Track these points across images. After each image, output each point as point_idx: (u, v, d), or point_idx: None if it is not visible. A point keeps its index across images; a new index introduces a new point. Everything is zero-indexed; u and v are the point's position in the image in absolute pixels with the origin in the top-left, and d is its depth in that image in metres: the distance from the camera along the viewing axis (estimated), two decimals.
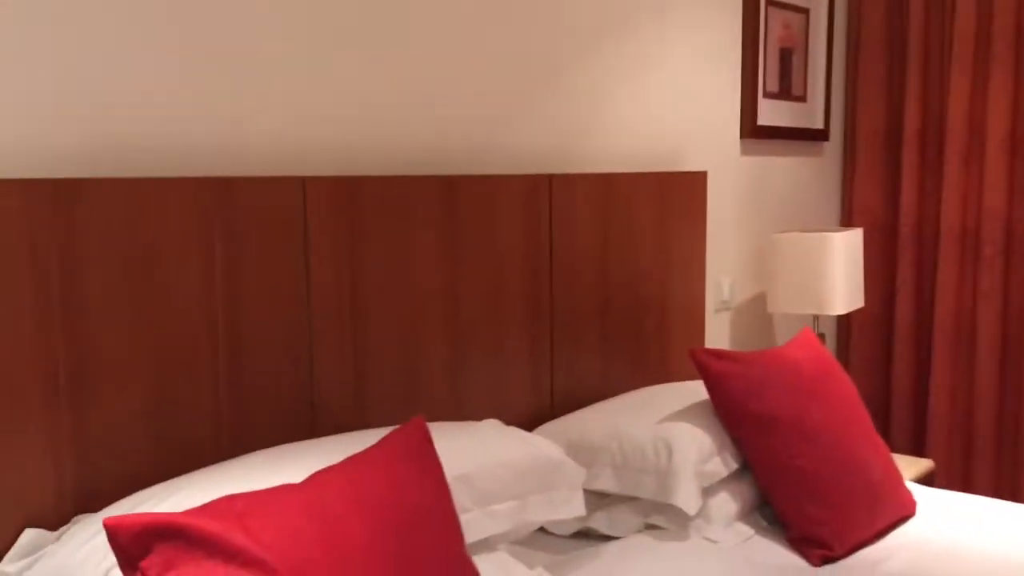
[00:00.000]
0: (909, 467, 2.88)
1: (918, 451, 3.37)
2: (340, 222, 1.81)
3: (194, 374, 1.60)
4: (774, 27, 3.08)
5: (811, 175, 3.41)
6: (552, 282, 2.25)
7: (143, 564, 1.11)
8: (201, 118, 1.66)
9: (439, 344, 2.00)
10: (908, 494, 2.16)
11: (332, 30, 1.85)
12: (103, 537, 1.32)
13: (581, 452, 2.03)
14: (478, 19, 2.12)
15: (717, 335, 2.97)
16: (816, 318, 3.19)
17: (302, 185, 1.75)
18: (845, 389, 2.21)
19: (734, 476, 2.08)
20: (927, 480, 2.89)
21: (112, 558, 1.28)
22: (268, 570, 1.11)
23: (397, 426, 1.81)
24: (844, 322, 3.52)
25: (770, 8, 3.04)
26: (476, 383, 2.09)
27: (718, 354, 2.10)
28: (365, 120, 1.92)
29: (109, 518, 1.09)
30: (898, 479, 2.16)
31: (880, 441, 2.19)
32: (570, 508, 1.76)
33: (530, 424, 2.20)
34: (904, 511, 2.12)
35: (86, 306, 1.47)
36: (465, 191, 2.03)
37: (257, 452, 1.58)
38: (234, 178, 1.65)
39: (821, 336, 3.04)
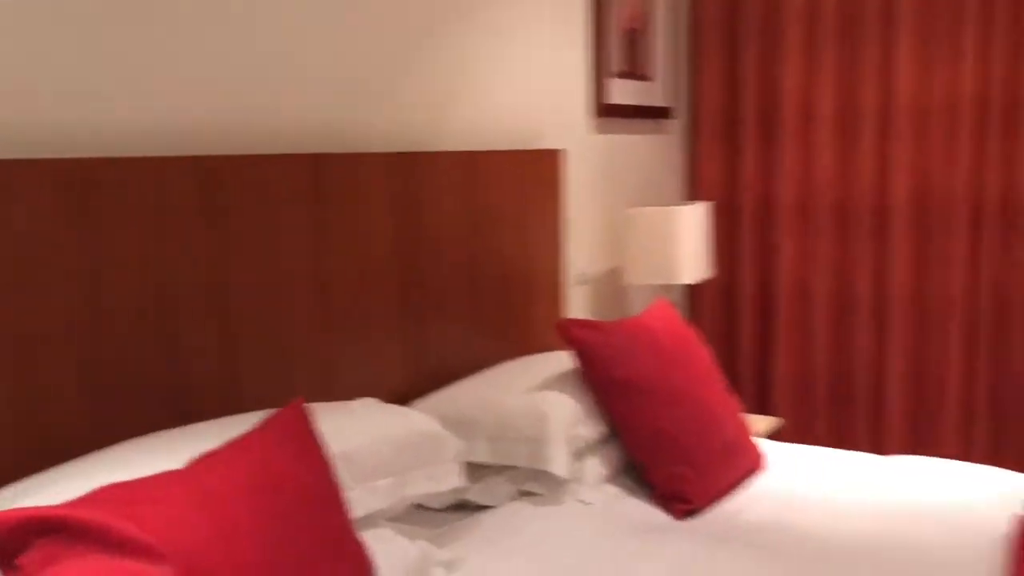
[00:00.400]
0: (758, 424, 3.06)
1: (764, 410, 3.59)
2: (203, 203, 1.76)
3: (55, 363, 1.53)
4: (620, 8, 3.18)
5: (659, 152, 3.55)
6: (419, 259, 2.27)
7: (21, 561, 1.06)
8: (59, 100, 1.58)
9: (309, 324, 1.99)
10: (758, 449, 2.31)
11: (190, 6, 1.79)
12: None
13: (455, 426, 2.06)
14: None
15: (576, 308, 3.06)
16: (668, 288, 3.34)
17: (164, 166, 1.69)
18: (700, 353, 2.34)
19: (602, 440, 2.17)
20: (775, 436, 3.09)
21: None
22: (157, 558, 1.09)
23: (270, 409, 1.80)
24: (694, 291, 3.69)
25: None
26: (347, 361, 2.08)
27: (582, 324, 2.17)
28: (227, 99, 1.88)
29: None
30: (749, 435, 2.30)
31: (733, 401, 2.33)
32: (449, 480, 1.79)
33: (402, 401, 2.21)
34: (755, 465, 2.27)
35: None
36: (331, 169, 2.02)
37: (130, 441, 1.54)
38: (93, 159, 1.58)
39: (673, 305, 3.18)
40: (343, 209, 2.05)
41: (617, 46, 3.17)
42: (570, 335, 2.14)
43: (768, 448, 2.46)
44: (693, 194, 3.68)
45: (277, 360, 1.92)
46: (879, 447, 3.40)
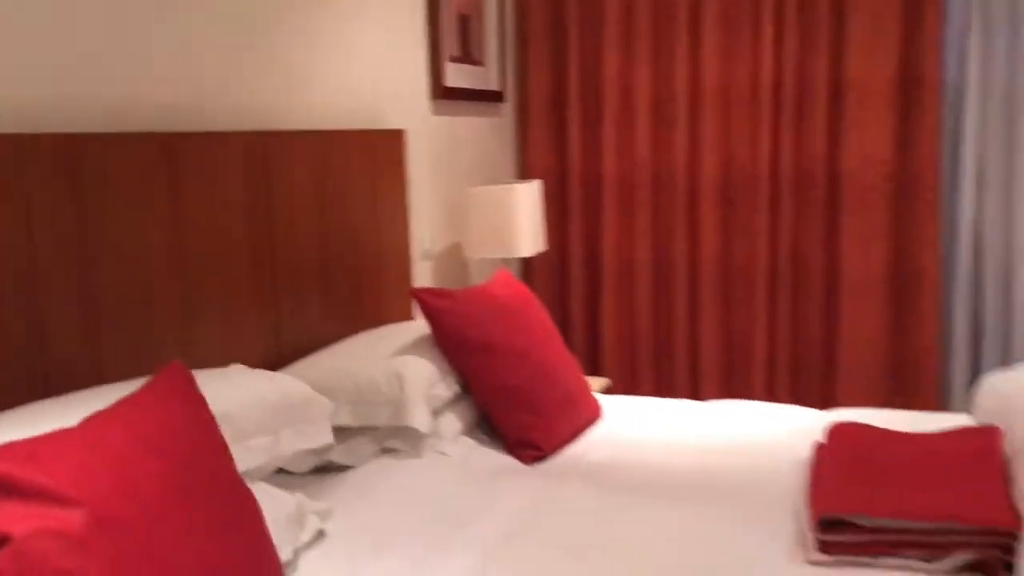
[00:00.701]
0: (590, 384, 3.32)
1: (595, 371, 3.87)
2: (61, 180, 1.79)
3: None
4: None
5: (493, 133, 3.74)
6: (274, 236, 2.35)
7: None
8: None
9: (169, 300, 2.04)
10: (595, 401, 2.55)
11: None
12: None
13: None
14: None
15: (422, 281, 3.21)
16: (506, 261, 3.54)
17: (20, 143, 1.71)
18: (541, 317, 2.55)
19: (457, 398, 2.34)
20: (605, 393, 3.36)
21: None
22: (72, 504, 1.16)
23: (137, 379, 1.85)
24: (528, 264, 3.92)
25: None
26: (206, 337, 2.14)
27: (435, 292, 2.33)
28: (83, 77, 1.90)
29: None
30: (587, 389, 2.54)
31: (572, 358, 2.56)
32: (320, 437, 1.91)
33: None
34: (594, 414, 2.51)
35: None
36: (185, 148, 2.07)
37: (4, 412, 1.57)
38: None
39: None
40: (198, 187, 2.11)
41: (451, 31, 3.33)
42: (424, 302, 2.30)
43: (604, 400, 2.71)
44: (525, 173, 3.90)
45: (138, 337, 1.96)
46: (697, 397, 3.75)
